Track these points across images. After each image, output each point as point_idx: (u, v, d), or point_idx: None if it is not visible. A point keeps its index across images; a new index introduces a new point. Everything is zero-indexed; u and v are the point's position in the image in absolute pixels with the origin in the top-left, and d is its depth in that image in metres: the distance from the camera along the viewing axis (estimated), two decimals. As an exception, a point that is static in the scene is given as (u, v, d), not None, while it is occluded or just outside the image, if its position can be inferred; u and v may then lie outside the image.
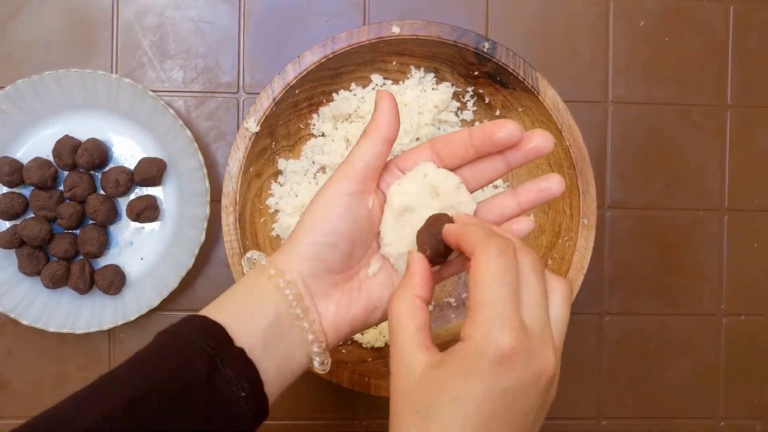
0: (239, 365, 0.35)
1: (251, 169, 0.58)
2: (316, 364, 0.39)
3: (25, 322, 0.58)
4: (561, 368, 0.66)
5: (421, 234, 0.38)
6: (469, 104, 0.61)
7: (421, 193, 0.40)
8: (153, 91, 0.61)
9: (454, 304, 0.63)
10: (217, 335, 0.35)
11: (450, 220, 0.38)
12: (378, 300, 0.39)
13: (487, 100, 0.61)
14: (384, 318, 0.40)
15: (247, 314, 0.37)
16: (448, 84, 0.61)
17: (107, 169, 0.60)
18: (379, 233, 0.39)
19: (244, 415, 0.35)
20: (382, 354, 0.60)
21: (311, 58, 0.56)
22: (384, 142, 0.38)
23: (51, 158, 0.59)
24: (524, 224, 0.41)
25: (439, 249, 0.37)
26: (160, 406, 0.33)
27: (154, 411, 0.32)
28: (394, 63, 0.60)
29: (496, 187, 0.62)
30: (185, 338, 0.35)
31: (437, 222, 0.38)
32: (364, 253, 0.39)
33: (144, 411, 0.32)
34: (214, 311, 0.37)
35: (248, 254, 0.40)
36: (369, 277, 0.40)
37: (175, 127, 0.58)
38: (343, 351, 0.59)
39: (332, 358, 0.57)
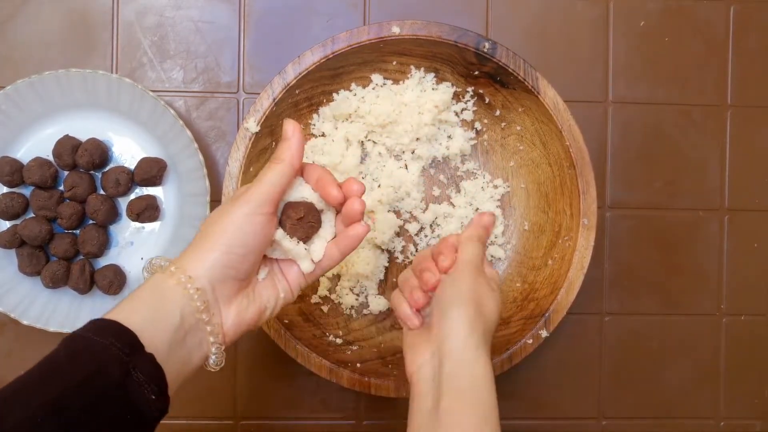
0: (149, 370, 0.38)
1: (251, 169, 0.58)
2: (212, 362, 0.42)
3: (25, 322, 0.58)
4: (561, 368, 0.66)
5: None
6: (469, 104, 0.61)
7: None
8: (153, 91, 0.61)
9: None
10: (130, 342, 0.38)
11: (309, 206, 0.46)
12: (267, 301, 0.45)
13: (487, 100, 0.61)
14: (270, 316, 0.46)
15: (156, 318, 0.40)
16: (449, 84, 0.61)
17: (107, 169, 0.60)
18: (272, 243, 0.45)
19: (152, 415, 0.38)
20: (381, 354, 0.60)
21: (311, 58, 0.56)
22: (291, 172, 0.44)
23: (51, 158, 0.59)
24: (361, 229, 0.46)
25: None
26: (78, 409, 0.35)
27: (73, 414, 0.35)
28: (394, 63, 0.60)
29: (496, 187, 0.62)
30: (99, 344, 0.37)
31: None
32: (259, 262, 0.45)
33: (65, 414, 0.35)
34: (125, 315, 0.39)
35: (153, 259, 0.43)
36: (259, 282, 0.45)
37: (175, 127, 0.58)
38: (347, 352, 0.59)
39: (333, 358, 0.57)
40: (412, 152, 0.61)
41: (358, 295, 0.62)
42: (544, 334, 0.57)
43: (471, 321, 0.45)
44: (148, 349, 0.38)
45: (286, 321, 0.57)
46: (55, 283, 0.58)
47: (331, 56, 0.56)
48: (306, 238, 0.45)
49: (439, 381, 0.44)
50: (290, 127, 0.45)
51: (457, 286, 0.46)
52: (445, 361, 0.44)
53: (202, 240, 0.43)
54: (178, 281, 0.41)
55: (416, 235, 0.62)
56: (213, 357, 0.42)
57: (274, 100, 0.56)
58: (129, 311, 0.40)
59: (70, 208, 0.58)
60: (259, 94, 0.57)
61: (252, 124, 0.56)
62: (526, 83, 0.57)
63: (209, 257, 0.42)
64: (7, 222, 0.60)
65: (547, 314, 0.57)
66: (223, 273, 0.42)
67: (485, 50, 0.57)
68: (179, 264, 0.42)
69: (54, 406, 0.35)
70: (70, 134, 0.59)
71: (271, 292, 0.45)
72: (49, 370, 0.38)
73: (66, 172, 0.60)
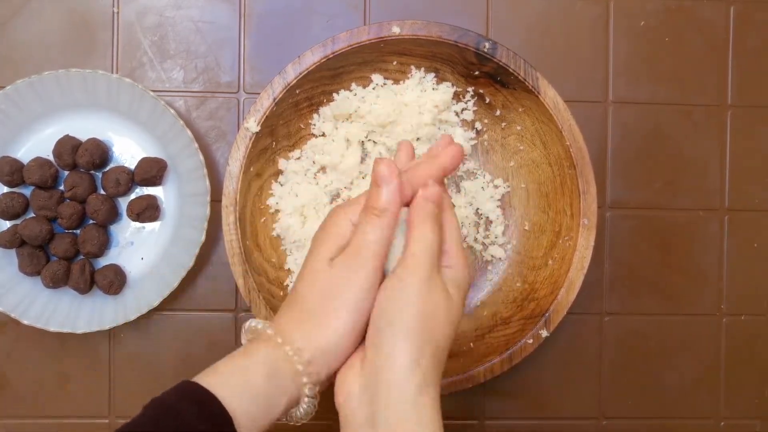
0: None
1: (252, 169, 0.58)
2: (301, 414, 0.39)
3: (25, 322, 0.58)
4: (561, 368, 0.67)
5: None
6: (470, 104, 0.61)
7: None
8: (153, 91, 0.61)
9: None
10: (221, 422, 0.35)
11: None
12: None
13: (487, 100, 0.61)
14: None
15: (260, 409, 0.36)
16: (449, 84, 0.61)
17: (107, 168, 0.60)
18: None
19: None
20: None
21: (311, 58, 0.56)
22: (395, 223, 0.39)
23: (51, 158, 0.59)
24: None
25: None
26: None
27: None
28: (395, 63, 0.60)
29: (496, 187, 0.62)
30: (179, 417, 0.35)
31: None
32: None
33: None
34: (224, 391, 0.36)
35: (252, 323, 0.39)
36: None
37: (175, 127, 0.58)
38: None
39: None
40: (413, 152, 0.61)
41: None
42: (544, 334, 0.57)
43: (416, 348, 0.36)
44: (231, 411, 0.35)
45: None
46: (55, 282, 0.58)
47: (331, 56, 0.56)
48: None
49: (373, 425, 0.36)
50: (386, 170, 0.38)
51: (402, 296, 0.37)
52: (380, 402, 0.36)
53: (319, 312, 0.38)
54: (285, 356, 0.37)
55: (416, 235, 0.62)
56: (303, 408, 0.39)
57: (274, 100, 0.56)
58: (229, 388, 0.36)
59: (71, 208, 0.58)
60: (259, 94, 0.57)
61: (252, 124, 0.56)
62: (526, 83, 0.57)
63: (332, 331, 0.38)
64: (7, 222, 0.60)
65: (547, 314, 0.57)
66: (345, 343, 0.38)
67: (485, 50, 0.57)
68: (285, 334, 0.38)
69: None
70: (71, 134, 0.59)
71: None
72: None
73: (66, 172, 0.60)
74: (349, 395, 0.38)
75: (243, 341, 0.40)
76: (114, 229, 0.61)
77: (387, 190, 0.38)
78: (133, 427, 0.35)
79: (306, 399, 0.38)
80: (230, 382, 0.36)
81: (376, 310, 0.38)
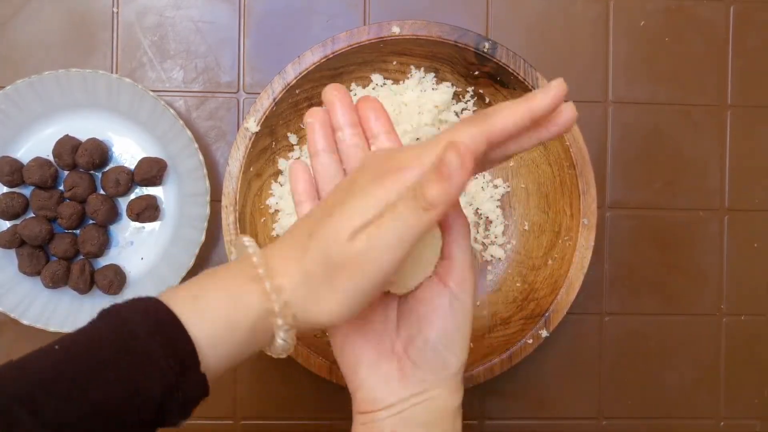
0: (195, 392, 0.33)
1: (251, 169, 0.58)
2: (279, 346, 0.34)
3: (25, 322, 0.58)
4: (561, 368, 0.66)
5: None
6: (470, 104, 0.61)
7: None
8: (153, 91, 0.61)
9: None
10: (185, 355, 0.32)
11: None
12: None
13: (487, 100, 0.61)
14: None
15: (225, 333, 0.33)
16: (449, 84, 0.61)
17: (107, 168, 0.60)
18: None
19: (173, 421, 0.33)
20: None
21: (311, 58, 0.56)
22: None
23: (51, 158, 0.59)
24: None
25: None
26: (105, 417, 0.30)
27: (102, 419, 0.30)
28: (395, 63, 0.60)
29: (496, 187, 0.62)
30: (145, 354, 0.31)
31: None
32: None
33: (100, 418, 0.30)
34: (190, 312, 0.32)
35: (245, 240, 0.35)
36: None
37: (175, 127, 0.58)
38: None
39: (333, 358, 0.57)
40: (412, 152, 0.61)
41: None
42: (544, 334, 0.57)
43: (462, 365, 0.37)
44: (203, 368, 0.32)
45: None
46: (55, 282, 0.58)
47: (331, 56, 0.56)
48: None
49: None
50: (457, 161, 0.29)
51: (460, 317, 0.37)
52: (422, 415, 0.37)
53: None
54: (261, 289, 0.33)
55: (416, 235, 0.62)
56: (280, 342, 0.34)
57: (274, 100, 0.56)
58: (196, 308, 0.32)
59: (70, 208, 0.58)
60: (259, 94, 0.57)
61: (252, 124, 0.56)
62: (526, 83, 0.57)
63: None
64: (7, 222, 0.60)
65: (547, 314, 0.57)
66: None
67: (485, 50, 0.57)
68: (268, 261, 0.33)
69: (94, 409, 0.30)
70: (70, 134, 0.59)
71: None
72: (90, 365, 0.31)
73: (66, 172, 0.60)
74: (383, 408, 0.37)
75: (231, 256, 0.36)
76: (114, 229, 0.61)
77: (451, 185, 0.30)
78: (82, 335, 0.32)
79: (280, 338, 0.34)
80: (190, 300, 0.33)
81: (434, 329, 0.36)
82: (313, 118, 0.40)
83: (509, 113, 0.33)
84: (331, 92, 0.39)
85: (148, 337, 0.31)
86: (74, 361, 0.31)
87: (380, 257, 0.31)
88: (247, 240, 0.35)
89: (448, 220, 0.37)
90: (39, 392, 0.30)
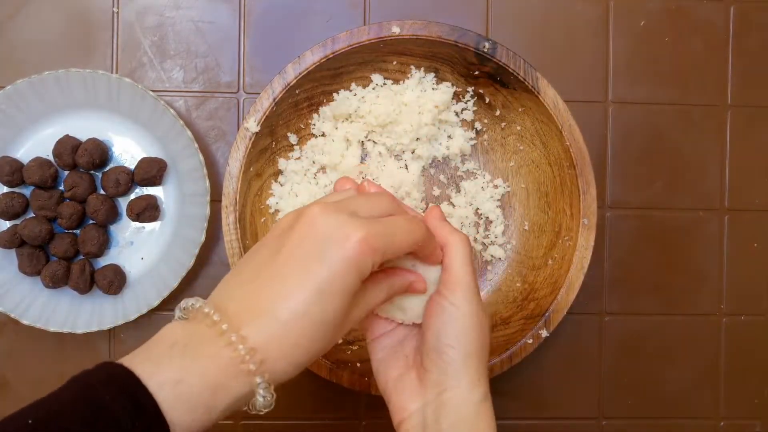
0: None
1: (251, 169, 0.58)
2: (259, 404, 0.35)
3: (25, 322, 0.58)
4: (561, 368, 0.66)
5: None
6: (470, 104, 0.61)
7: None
8: (153, 91, 0.61)
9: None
10: (151, 425, 0.31)
11: None
12: None
13: (487, 100, 0.61)
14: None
15: (203, 417, 0.33)
16: (449, 84, 0.61)
17: (107, 168, 0.60)
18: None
19: None
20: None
21: (311, 58, 0.56)
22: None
23: (51, 158, 0.59)
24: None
25: None
26: None
27: None
28: (395, 63, 0.60)
29: (496, 187, 0.62)
30: (114, 420, 0.31)
31: None
32: None
33: None
34: (172, 400, 0.32)
35: (187, 302, 0.36)
36: None
37: (175, 127, 0.58)
38: (348, 351, 0.59)
39: (333, 358, 0.57)
40: (412, 152, 0.61)
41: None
42: (544, 334, 0.57)
43: (478, 366, 0.40)
44: (169, 421, 0.32)
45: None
46: (55, 282, 0.58)
47: (331, 56, 0.56)
48: None
49: None
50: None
51: (462, 320, 0.40)
52: (443, 415, 0.39)
53: (261, 288, 0.35)
54: (236, 356, 0.33)
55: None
56: (261, 399, 0.34)
57: (274, 100, 0.56)
58: (178, 397, 0.32)
59: (70, 208, 0.58)
60: (259, 94, 0.57)
61: (252, 124, 0.56)
62: (526, 83, 0.57)
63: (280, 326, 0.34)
64: (7, 222, 0.60)
65: (547, 314, 0.57)
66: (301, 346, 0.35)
67: (485, 50, 0.57)
68: (234, 326, 0.34)
69: None
70: (70, 134, 0.59)
71: None
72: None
73: (66, 172, 0.60)
74: (412, 413, 0.40)
75: (176, 317, 0.36)
76: (114, 229, 0.61)
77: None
78: (52, 404, 0.32)
79: (260, 396, 0.34)
80: (170, 386, 0.32)
81: (431, 332, 0.40)
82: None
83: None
84: (339, 182, 0.43)
85: (125, 417, 0.31)
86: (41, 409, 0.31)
87: (352, 324, 0.37)
88: (200, 302, 0.36)
89: (446, 236, 0.41)
90: None
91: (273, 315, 0.34)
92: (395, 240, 0.36)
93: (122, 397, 0.31)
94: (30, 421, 0.31)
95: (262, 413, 0.35)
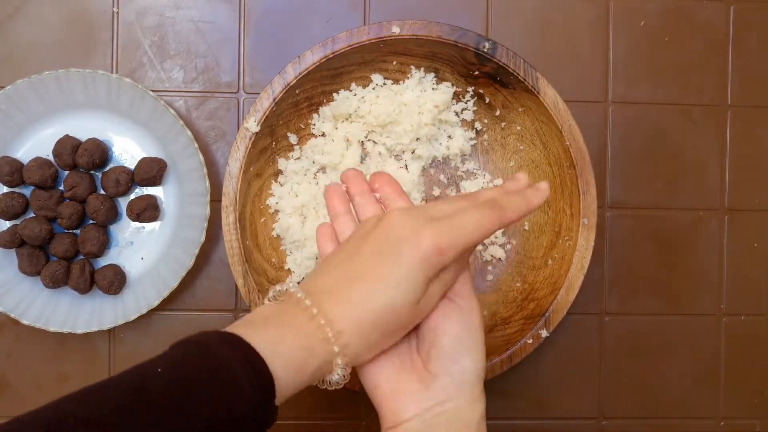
0: (270, 421, 0.36)
1: (251, 169, 0.58)
2: (335, 379, 0.38)
3: (25, 322, 0.58)
4: (561, 368, 0.66)
5: None
6: (470, 104, 0.61)
7: None
8: (153, 90, 0.61)
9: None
10: (268, 387, 0.35)
11: None
12: None
13: (487, 100, 0.61)
14: None
15: (295, 377, 0.36)
16: (449, 84, 0.61)
17: (107, 168, 0.60)
18: None
19: None
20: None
21: (311, 58, 0.56)
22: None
23: (51, 158, 0.59)
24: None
25: None
26: None
27: None
28: (395, 63, 0.60)
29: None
30: (237, 384, 0.34)
31: None
32: None
33: None
34: (272, 356, 0.35)
35: (280, 286, 0.39)
36: None
37: (175, 127, 0.58)
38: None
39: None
40: (412, 152, 0.61)
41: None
42: (544, 334, 0.57)
43: (480, 374, 0.40)
44: (277, 401, 0.36)
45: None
46: (55, 282, 0.58)
47: (331, 56, 0.56)
48: None
49: None
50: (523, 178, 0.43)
51: (470, 323, 0.41)
52: (441, 425, 0.39)
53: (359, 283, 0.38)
54: (323, 336, 0.37)
55: (416, 235, 0.62)
56: (337, 376, 0.38)
57: (274, 100, 0.56)
58: (271, 346, 0.36)
59: (70, 208, 0.58)
60: (259, 94, 0.57)
61: (252, 124, 0.56)
62: (526, 83, 0.57)
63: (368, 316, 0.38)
64: (7, 222, 0.60)
65: (547, 314, 0.57)
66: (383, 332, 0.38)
67: (485, 50, 0.57)
68: (323, 310, 0.37)
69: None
70: (70, 134, 0.59)
71: None
72: (183, 396, 0.34)
73: (66, 172, 0.60)
74: (406, 420, 0.39)
75: (269, 300, 0.39)
76: (114, 229, 0.61)
77: (536, 195, 0.42)
78: (163, 362, 0.35)
79: (337, 373, 0.38)
80: (269, 344, 0.36)
81: (448, 337, 0.40)
82: (332, 191, 0.46)
83: (517, 207, 0.41)
84: (348, 172, 0.46)
85: (239, 366, 0.34)
86: (179, 382, 0.34)
87: (426, 312, 0.40)
88: (293, 287, 0.39)
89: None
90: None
91: (355, 301, 0.38)
92: (464, 236, 0.38)
93: (236, 353, 0.35)
94: (159, 370, 0.35)
95: (331, 388, 0.38)
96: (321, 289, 0.39)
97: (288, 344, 0.36)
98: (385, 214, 0.41)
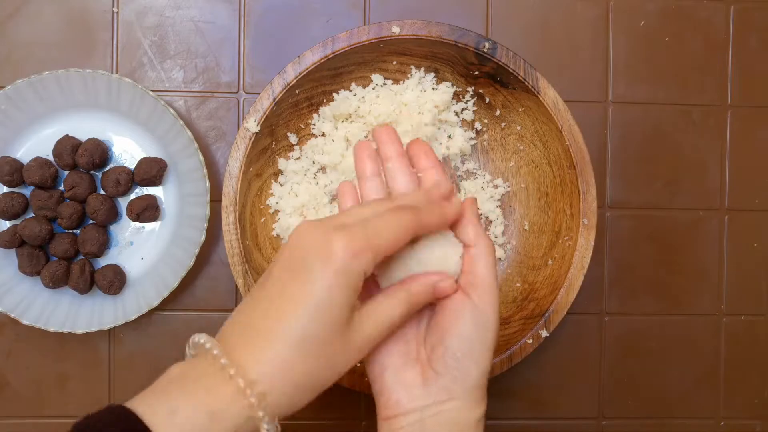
0: None
1: (251, 169, 0.58)
2: None
3: (25, 322, 0.58)
4: (561, 368, 0.66)
5: None
6: (470, 104, 0.61)
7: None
8: (153, 91, 0.61)
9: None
10: None
11: None
12: None
13: (487, 100, 0.61)
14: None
15: (187, 422, 0.32)
16: (449, 84, 0.61)
17: (107, 168, 0.60)
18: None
19: None
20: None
21: (311, 57, 0.56)
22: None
23: (51, 158, 0.59)
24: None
25: None
26: None
27: None
28: (395, 63, 0.60)
29: (496, 187, 0.62)
30: None
31: None
32: None
33: None
34: (162, 424, 0.31)
35: (194, 338, 0.35)
36: None
37: (175, 127, 0.58)
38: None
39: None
40: (412, 152, 0.61)
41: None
42: (544, 334, 0.57)
43: (485, 378, 0.38)
44: None
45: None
46: (55, 282, 0.58)
47: (331, 56, 0.56)
48: None
49: None
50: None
51: (484, 324, 0.38)
52: (439, 424, 0.37)
53: (263, 321, 0.34)
54: (236, 389, 0.32)
55: (416, 235, 0.62)
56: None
57: (274, 99, 0.56)
58: (168, 422, 0.32)
59: (70, 208, 0.58)
60: (259, 94, 0.57)
61: (252, 124, 0.56)
62: (526, 83, 0.57)
63: (278, 357, 0.33)
64: (7, 222, 0.60)
65: (547, 314, 0.57)
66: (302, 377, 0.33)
67: (485, 50, 0.57)
68: (234, 359, 0.33)
69: None
70: (70, 134, 0.59)
71: None
72: None
73: (66, 172, 0.60)
74: (404, 413, 0.38)
75: (188, 355, 0.36)
76: (114, 229, 0.61)
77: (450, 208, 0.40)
78: None
79: (265, 429, 0.33)
80: (165, 416, 0.32)
81: (455, 337, 0.38)
82: (363, 148, 0.43)
83: (433, 214, 0.38)
84: (383, 130, 0.42)
85: None
86: None
87: (365, 351, 0.36)
88: (203, 338, 0.35)
89: (472, 239, 0.40)
90: None
91: (271, 341, 0.33)
92: (382, 237, 0.35)
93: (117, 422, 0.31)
94: None
95: None
96: (233, 331, 0.35)
97: (185, 413, 0.32)
98: (296, 227, 0.36)
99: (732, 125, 0.66)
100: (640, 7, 0.65)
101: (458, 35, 0.57)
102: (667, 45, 0.66)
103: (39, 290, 0.60)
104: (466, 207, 0.41)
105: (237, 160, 0.56)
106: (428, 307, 0.40)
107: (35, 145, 0.60)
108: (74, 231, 0.60)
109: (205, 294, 0.63)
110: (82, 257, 0.60)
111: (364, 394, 0.60)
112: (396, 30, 0.56)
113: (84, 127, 0.60)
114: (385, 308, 0.37)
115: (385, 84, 0.60)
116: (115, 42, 0.62)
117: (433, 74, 0.60)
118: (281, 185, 0.61)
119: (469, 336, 0.38)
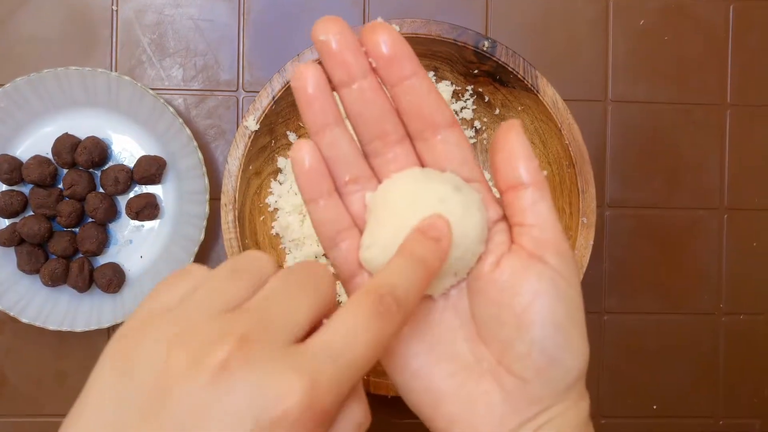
0: None
1: (251, 168, 0.58)
2: None
3: (24, 320, 0.58)
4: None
5: None
6: (469, 103, 0.61)
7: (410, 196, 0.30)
8: (152, 89, 0.61)
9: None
10: None
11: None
12: None
13: (486, 99, 0.61)
14: None
15: None
16: (448, 82, 0.60)
17: (106, 167, 0.60)
18: None
19: None
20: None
21: (311, 56, 0.56)
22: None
23: (50, 156, 0.59)
24: None
25: None
26: None
27: None
28: (394, 61, 0.60)
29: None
30: None
31: None
32: None
33: None
34: None
35: None
36: None
37: (174, 125, 0.58)
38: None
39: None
40: (412, 151, 0.61)
41: (357, 293, 0.62)
42: (543, 332, 0.57)
43: (585, 368, 0.28)
44: None
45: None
46: (54, 281, 0.58)
47: (330, 54, 0.56)
48: None
49: None
50: (441, 224, 0.25)
51: (570, 297, 0.27)
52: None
53: None
54: None
55: (415, 233, 0.62)
56: None
57: (273, 98, 0.56)
58: None
59: (69, 206, 0.58)
60: (258, 92, 0.57)
61: (251, 123, 0.56)
62: (525, 82, 0.57)
63: None
64: (6, 220, 0.60)
65: (546, 313, 0.57)
66: None
67: (485, 49, 0.57)
68: None
69: None
70: (70, 132, 0.59)
71: None
72: None
73: (65, 171, 0.60)
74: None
75: None
76: (113, 227, 0.61)
77: (424, 271, 0.25)
78: None
79: None
80: None
81: (537, 328, 0.26)
82: (300, 79, 0.27)
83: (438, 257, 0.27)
84: (326, 27, 0.26)
85: None
86: None
87: None
88: None
89: (526, 176, 0.28)
90: None
91: None
92: (356, 361, 0.24)
93: None
94: None
95: None
96: None
97: None
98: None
99: (732, 124, 0.66)
100: (639, 5, 0.65)
101: (457, 34, 0.57)
102: (666, 44, 0.66)
103: (38, 288, 0.60)
104: (510, 133, 0.28)
105: (236, 158, 0.56)
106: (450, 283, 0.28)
107: (34, 143, 0.60)
108: (73, 229, 0.60)
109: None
110: (81, 255, 0.60)
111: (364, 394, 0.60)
112: (396, 28, 0.56)
113: (83, 125, 0.60)
114: (343, 338, 0.24)
115: (384, 82, 0.60)
116: (114, 40, 0.62)
117: (432, 73, 0.60)
118: (280, 184, 0.61)
119: (556, 318, 0.26)
